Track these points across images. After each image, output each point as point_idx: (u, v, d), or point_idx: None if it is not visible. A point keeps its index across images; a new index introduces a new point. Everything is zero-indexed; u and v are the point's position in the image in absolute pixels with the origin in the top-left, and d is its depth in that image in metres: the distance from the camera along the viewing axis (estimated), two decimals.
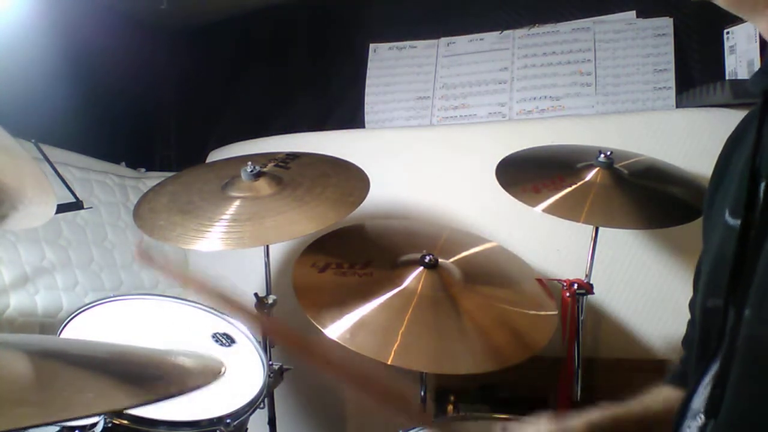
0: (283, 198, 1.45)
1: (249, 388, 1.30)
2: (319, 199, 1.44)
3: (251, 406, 1.27)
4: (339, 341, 1.25)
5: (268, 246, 1.57)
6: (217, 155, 2.29)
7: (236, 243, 1.35)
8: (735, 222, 0.64)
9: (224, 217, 1.39)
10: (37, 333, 1.74)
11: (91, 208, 1.99)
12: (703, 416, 0.64)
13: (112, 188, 2.15)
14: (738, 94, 1.48)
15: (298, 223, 1.39)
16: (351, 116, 2.22)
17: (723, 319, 0.63)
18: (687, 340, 0.85)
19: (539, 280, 1.53)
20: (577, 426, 0.80)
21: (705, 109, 1.64)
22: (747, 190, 0.62)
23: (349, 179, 1.54)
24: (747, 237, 0.61)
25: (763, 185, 0.61)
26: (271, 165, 1.57)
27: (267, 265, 1.59)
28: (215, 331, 1.42)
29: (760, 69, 0.70)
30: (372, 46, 2.19)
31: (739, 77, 1.60)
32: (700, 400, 0.65)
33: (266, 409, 1.61)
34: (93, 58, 2.19)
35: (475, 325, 1.34)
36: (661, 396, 0.84)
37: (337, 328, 1.27)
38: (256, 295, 1.54)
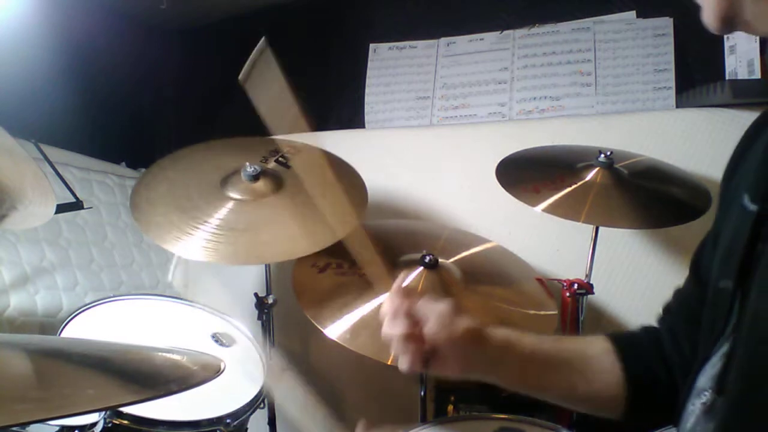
0: (283, 206, 1.43)
1: (249, 388, 1.30)
2: (318, 216, 1.42)
3: (251, 406, 1.27)
4: (339, 341, 1.25)
5: None
6: None
7: (230, 259, 1.34)
8: (753, 207, 0.64)
9: (221, 224, 1.36)
10: (37, 333, 1.74)
11: (91, 208, 1.99)
12: (709, 393, 0.65)
13: (112, 188, 2.16)
14: (738, 94, 1.48)
15: (295, 242, 1.38)
16: (351, 116, 2.22)
17: (731, 300, 0.63)
18: (667, 306, 0.88)
19: (539, 280, 1.53)
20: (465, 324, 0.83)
21: (705, 109, 1.64)
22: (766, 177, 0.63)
23: (350, 191, 1.51)
24: (763, 223, 0.62)
25: None
26: (272, 161, 1.55)
27: (267, 265, 1.59)
28: (215, 331, 1.42)
29: None
30: (372, 46, 2.19)
31: (739, 77, 1.60)
32: (706, 378, 0.66)
33: (266, 409, 1.61)
34: (93, 58, 2.19)
35: None
36: (586, 343, 0.89)
37: (337, 328, 1.27)
38: (256, 295, 1.54)
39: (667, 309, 0.88)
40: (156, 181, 1.50)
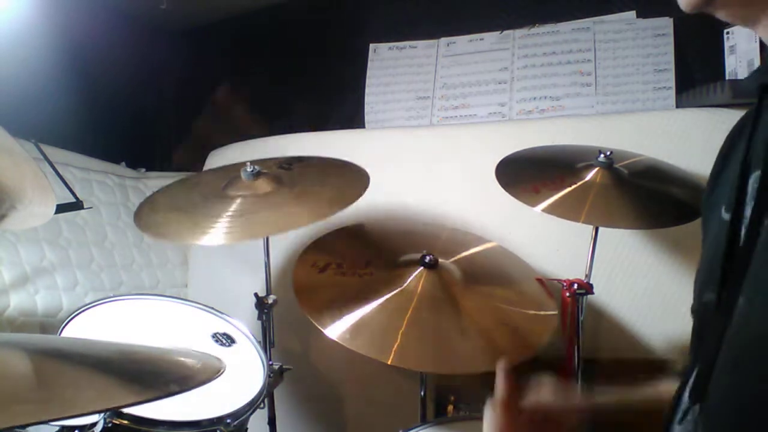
0: (281, 195, 1.45)
1: (249, 388, 1.30)
2: (318, 194, 1.45)
3: (251, 406, 1.27)
4: (339, 341, 1.25)
5: (268, 246, 1.57)
6: (217, 155, 2.29)
7: (233, 237, 1.36)
8: (727, 216, 0.64)
9: (223, 213, 1.40)
10: (37, 333, 1.74)
11: (91, 208, 1.99)
12: (688, 401, 0.64)
13: (112, 188, 2.16)
14: (738, 94, 1.48)
15: (296, 216, 1.39)
16: (351, 116, 2.22)
17: (715, 312, 0.63)
18: None
19: (539, 280, 1.53)
20: (581, 405, 0.77)
21: (705, 109, 1.64)
22: (738, 183, 0.62)
23: (348, 176, 1.54)
24: (738, 230, 0.61)
25: (752, 177, 0.61)
26: (274, 167, 1.57)
27: (267, 265, 1.59)
28: (215, 331, 1.42)
29: (758, 67, 0.70)
30: (372, 46, 2.19)
31: (739, 77, 1.60)
32: (688, 391, 0.66)
33: (266, 409, 1.61)
34: (93, 58, 2.19)
35: (475, 325, 1.34)
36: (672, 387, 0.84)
37: (337, 328, 1.27)
38: (256, 295, 1.54)
39: None
40: (158, 196, 1.55)
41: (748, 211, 0.61)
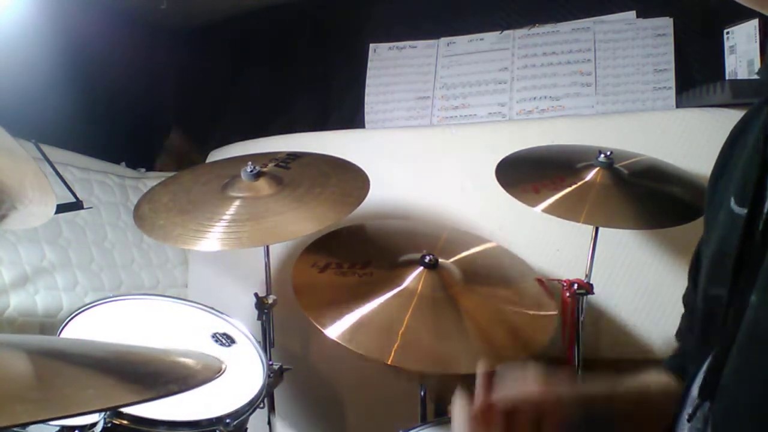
0: (283, 198, 1.45)
1: (249, 388, 1.30)
2: (319, 200, 1.44)
3: (251, 406, 1.27)
4: (339, 341, 1.25)
5: (268, 246, 1.57)
6: (217, 155, 2.29)
7: (235, 243, 1.36)
8: (741, 210, 0.63)
9: (224, 217, 1.40)
10: (37, 333, 1.74)
11: (91, 208, 1.99)
12: (697, 399, 0.64)
13: (112, 188, 2.16)
14: (738, 94, 1.48)
15: (298, 224, 1.39)
16: (351, 116, 2.22)
17: (726, 308, 0.62)
18: (680, 333, 0.86)
19: (539, 280, 1.53)
20: (567, 394, 0.76)
21: (705, 109, 1.64)
22: (755, 179, 0.62)
23: (349, 179, 1.54)
24: (754, 225, 0.61)
25: None
26: (271, 165, 1.57)
27: (267, 265, 1.59)
28: (215, 331, 1.42)
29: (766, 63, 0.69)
30: (372, 46, 2.19)
31: (739, 77, 1.60)
32: (697, 387, 0.65)
33: (266, 409, 1.61)
34: (93, 58, 2.19)
35: (475, 325, 1.34)
36: (661, 378, 0.84)
37: (337, 328, 1.27)
38: (256, 295, 1.54)
39: (678, 333, 0.87)
40: (158, 196, 1.54)
41: (765, 208, 0.60)
